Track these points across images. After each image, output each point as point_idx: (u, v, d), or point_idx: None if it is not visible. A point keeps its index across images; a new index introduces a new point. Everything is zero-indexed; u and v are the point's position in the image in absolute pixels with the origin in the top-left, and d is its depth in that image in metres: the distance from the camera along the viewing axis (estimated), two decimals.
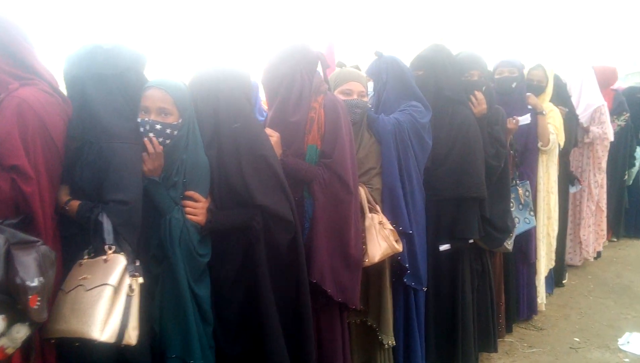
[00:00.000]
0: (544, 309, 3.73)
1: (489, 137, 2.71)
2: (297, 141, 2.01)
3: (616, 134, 5.14)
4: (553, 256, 3.74)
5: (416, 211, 2.47)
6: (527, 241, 3.44)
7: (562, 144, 3.59)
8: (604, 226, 4.82)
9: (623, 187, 5.34)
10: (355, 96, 2.25)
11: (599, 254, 5.03)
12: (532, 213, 3.22)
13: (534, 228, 3.46)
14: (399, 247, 2.20)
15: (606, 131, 4.50)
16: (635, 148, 5.47)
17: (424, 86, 2.61)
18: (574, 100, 4.51)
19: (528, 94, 3.46)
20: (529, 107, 3.43)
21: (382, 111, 2.45)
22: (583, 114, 4.47)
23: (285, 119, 1.97)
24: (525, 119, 2.94)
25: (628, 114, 5.22)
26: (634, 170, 5.54)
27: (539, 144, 3.42)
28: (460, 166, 2.58)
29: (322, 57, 2.10)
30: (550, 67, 3.55)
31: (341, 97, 2.24)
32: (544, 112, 3.42)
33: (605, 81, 5.17)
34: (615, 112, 5.16)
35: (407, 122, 2.37)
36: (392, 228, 2.21)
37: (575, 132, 4.18)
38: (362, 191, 2.22)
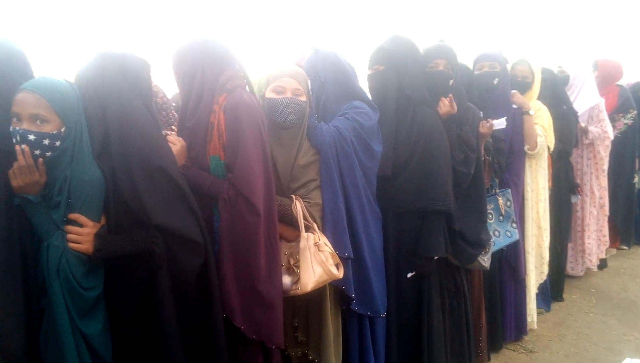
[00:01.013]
0: (535, 328, 3.39)
1: (458, 140, 2.38)
2: (198, 151, 1.72)
3: (623, 133, 4.77)
4: (545, 269, 3.38)
5: (368, 230, 2.17)
6: (515, 255, 3.09)
7: (551, 146, 3.24)
8: (607, 231, 4.42)
9: (632, 191, 4.92)
10: (288, 94, 1.94)
11: (604, 263, 4.64)
12: (514, 225, 2.88)
13: (522, 240, 3.14)
14: (339, 273, 1.89)
15: (606, 129, 4.12)
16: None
17: (385, 84, 2.32)
18: (572, 98, 4.15)
19: (513, 91, 3.13)
20: (514, 106, 3.10)
21: (323, 115, 2.15)
22: (580, 113, 4.10)
23: (184, 124, 1.69)
24: (500, 123, 2.61)
25: (635, 112, 4.82)
26: None
27: (526, 147, 3.08)
28: (423, 175, 2.27)
29: (235, 50, 1.82)
30: (537, 62, 3.21)
31: (273, 96, 1.95)
32: (530, 112, 3.08)
33: (610, 76, 4.79)
34: (621, 110, 4.77)
35: (349, 130, 2.06)
36: (331, 250, 1.90)
37: (575, 133, 3.82)
38: (299, 207, 1.92)
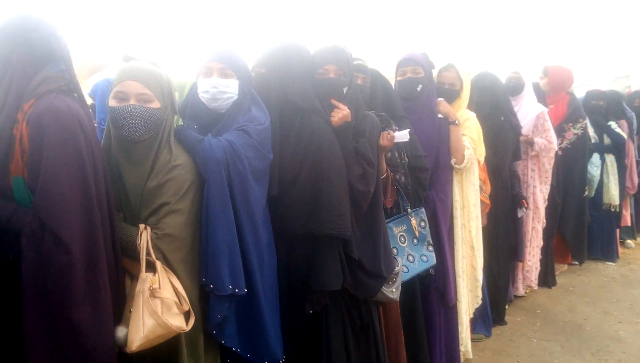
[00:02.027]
0: (471, 357, 3.09)
1: (356, 154, 2.07)
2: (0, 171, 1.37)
3: (573, 143, 4.56)
4: (479, 292, 3.09)
5: (262, 261, 1.84)
6: (443, 279, 2.79)
7: (481, 159, 2.96)
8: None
9: (583, 202, 4.69)
10: (132, 101, 1.60)
11: (552, 281, 4.39)
12: (431, 247, 2.58)
13: (451, 262, 2.84)
14: (179, 323, 1.53)
15: (551, 140, 3.89)
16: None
17: (266, 88, 1.99)
18: (518, 107, 3.92)
19: (440, 99, 2.85)
20: (440, 116, 2.81)
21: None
22: (523, 123, 3.86)
23: None
24: (403, 136, 2.31)
25: (585, 121, 4.62)
26: (594, 181, 4.92)
27: (452, 161, 2.79)
28: (312, 193, 1.94)
29: (64, 44, 1.48)
30: (465, 68, 2.93)
31: (114, 104, 1.60)
32: (457, 122, 2.80)
33: (560, 83, 4.60)
34: (570, 119, 4.57)
35: (245, 146, 1.77)
36: (174, 297, 1.54)
37: (515, 144, 3.56)
38: (143, 239, 1.57)
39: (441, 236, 2.77)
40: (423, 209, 2.58)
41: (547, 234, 4.23)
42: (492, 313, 3.55)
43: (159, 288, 1.49)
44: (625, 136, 5.00)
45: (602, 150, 4.98)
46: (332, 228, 1.93)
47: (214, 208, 1.69)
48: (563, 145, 4.54)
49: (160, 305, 1.48)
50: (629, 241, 5.72)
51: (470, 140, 2.85)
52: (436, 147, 2.77)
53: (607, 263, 5.08)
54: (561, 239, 4.72)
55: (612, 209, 5.06)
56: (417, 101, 2.78)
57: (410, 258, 2.46)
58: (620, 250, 5.39)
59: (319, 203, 1.93)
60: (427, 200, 2.74)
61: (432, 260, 2.55)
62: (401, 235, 2.47)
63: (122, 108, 1.58)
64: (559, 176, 4.40)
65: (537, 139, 3.85)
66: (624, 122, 5.23)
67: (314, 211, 1.94)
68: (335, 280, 1.96)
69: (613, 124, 4.99)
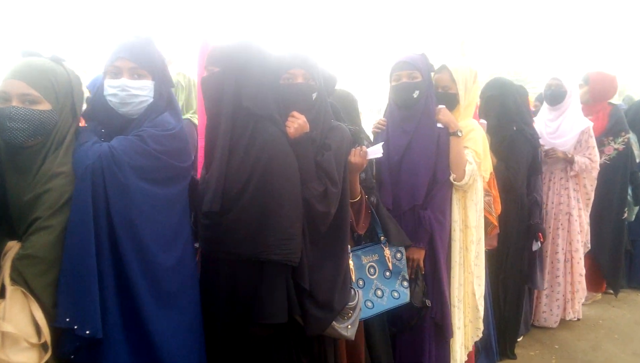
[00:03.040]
0: None
1: (318, 169, 1.81)
2: None
3: (612, 160, 4.08)
4: (480, 324, 2.75)
5: (160, 291, 1.59)
6: (442, 310, 2.48)
7: (486, 176, 2.62)
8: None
9: (622, 226, 4.19)
10: (14, 103, 1.41)
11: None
12: (405, 283, 2.29)
13: (447, 290, 2.53)
14: (25, 359, 1.29)
15: (595, 159, 3.47)
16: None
17: (219, 90, 1.76)
18: (561, 117, 3.51)
19: (440, 107, 2.53)
20: (439, 125, 2.50)
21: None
22: (566, 139, 3.46)
23: None
24: (375, 151, 2.02)
25: (628, 136, 4.12)
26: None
27: (452, 177, 2.47)
28: (259, 211, 1.70)
29: None
30: (462, 70, 2.58)
31: None
32: (458, 133, 2.47)
33: (602, 92, 4.12)
34: (611, 133, 4.08)
35: (132, 152, 1.54)
36: (28, 328, 1.31)
37: (532, 158, 3.17)
38: (8, 262, 1.37)
39: (439, 262, 2.47)
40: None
41: None
42: (498, 346, 3.20)
43: (3, 319, 1.29)
44: None
45: None
46: (278, 252, 1.68)
47: (70, 224, 1.44)
48: (602, 161, 4.06)
49: (1, 338, 1.28)
50: None
51: (474, 154, 2.52)
52: (434, 161, 2.47)
53: None
54: (596, 265, 4.26)
55: None
56: (414, 109, 2.49)
57: (378, 293, 2.17)
58: None
59: (266, 223, 1.69)
60: (423, 221, 2.44)
61: (405, 297, 2.27)
62: (371, 266, 2.19)
63: (2, 110, 1.40)
64: (595, 195, 3.95)
65: (577, 158, 3.44)
66: None
67: (260, 232, 1.69)
68: (279, 311, 1.71)
69: None
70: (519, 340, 3.48)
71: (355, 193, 2.06)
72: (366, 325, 2.40)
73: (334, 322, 1.82)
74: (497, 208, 3.00)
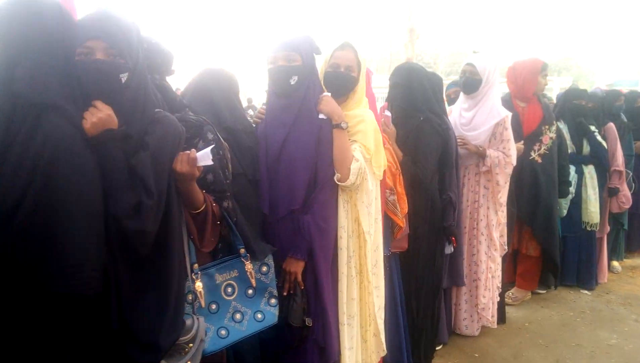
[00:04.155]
0: None
1: (131, 176, 1.43)
2: None
3: (550, 149, 3.83)
4: (382, 343, 2.44)
5: None
6: (324, 330, 2.15)
7: (379, 173, 2.30)
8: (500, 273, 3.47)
9: (553, 219, 3.95)
10: None
11: (502, 317, 3.69)
12: (274, 301, 1.94)
13: (334, 308, 2.20)
14: None
15: (509, 153, 3.17)
16: (568, 168, 4.10)
17: None
18: (475, 106, 3.22)
19: (324, 94, 2.18)
20: (321, 116, 2.15)
21: None
22: (480, 131, 3.16)
23: None
24: (204, 158, 1.63)
25: (555, 125, 3.88)
26: (568, 198, 4.16)
27: (336, 176, 2.13)
28: (41, 230, 1.31)
29: None
30: (362, 51, 2.26)
31: None
32: (342, 125, 2.13)
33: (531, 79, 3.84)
34: (547, 121, 3.84)
35: None
36: None
37: (440, 152, 2.85)
38: None
39: (320, 276, 2.13)
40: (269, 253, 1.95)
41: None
42: (412, 357, 2.90)
43: None
44: (605, 146, 4.25)
45: (579, 161, 4.24)
46: (64, 285, 1.30)
47: None
48: (542, 151, 3.82)
49: None
50: (615, 264, 4.98)
51: (363, 149, 2.18)
52: (314, 158, 2.12)
53: (581, 291, 4.36)
54: (530, 261, 4.04)
55: (590, 229, 4.31)
56: (293, 97, 2.13)
57: (237, 316, 1.81)
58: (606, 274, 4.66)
59: (50, 246, 1.30)
60: (302, 228, 2.10)
61: (273, 318, 1.91)
62: (228, 284, 1.83)
63: None
64: (528, 188, 3.73)
65: (490, 152, 3.14)
66: (611, 126, 4.47)
67: (42, 258, 1.31)
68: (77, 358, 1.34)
69: (595, 130, 4.24)
70: (438, 348, 3.20)
71: (195, 203, 1.68)
72: (236, 351, 2.06)
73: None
74: (403, 207, 2.69)
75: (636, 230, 5.16)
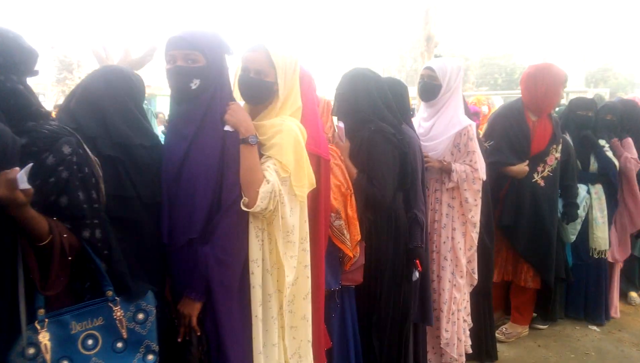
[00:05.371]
0: None
1: None
2: None
3: (554, 170, 3.39)
4: None
5: None
6: None
7: (303, 194, 1.91)
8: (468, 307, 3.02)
9: (552, 253, 3.44)
10: None
11: (493, 354, 3.23)
12: (152, 357, 1.58)
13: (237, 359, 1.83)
14: None
15: (476, 166, 2.76)
16: (576, 188, 3.60)
17: None
18: (436, 114, 2.84)
19: (232, 102, 1.84)
20: (227, 128, 1.81)
21: None
22: (438, 141, 2.77)
23: None
24: (21, 180, 1.28)
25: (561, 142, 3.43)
26: (578, 222, 3.65)
27: (243, 201, 1.77)
28: None
29: None
30: (288, 55, 1.91)
31: None
32: (250, 140, 1.78)
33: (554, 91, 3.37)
34: (555, 140, 3.41)
35: None
36: None
37: (399, 166, 2.45)
38: None
39: (220, 320, 1.76)
40: (150, 293, 1.60)
41: (481, 291, 3.09)
42: None
43: None
44: (616, 163, 3.74)
45: (586, 179, 3.74)
46: None
47: None
48: (545, 173, 3.37)
49: None
50: (633, 295, 4.42)
51: (279, 166, 1.82)
52: (216, 178, 1.77)
53: (589, 327, 3.84)
54: (529, 293, 3.56)
55: (598, 256, 3.80)
56: (195, 104, 1.79)
57: None
58: (620, 307, 4.12)
59: None
60: (199, 262, 1.75)
61: None
62: (88, 335, 1.48)
63: None
64: (531, 208, 3.29)
65: (456, 166, 2.73)
66: (629, 141, 3.95)
67: None
68: None
69: (605, 145, 3.75)
70: None
71: (35, 233, 1.36)
72: None
73: None
74: (354, 234, 2.32)
75: None
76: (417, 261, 2.55)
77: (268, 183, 1.76)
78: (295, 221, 1.91)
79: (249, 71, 1.89)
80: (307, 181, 1.91)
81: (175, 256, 1.81)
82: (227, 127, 1.79)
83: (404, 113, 2.62)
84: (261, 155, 1.86)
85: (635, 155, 3.87)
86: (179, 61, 1.76)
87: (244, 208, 1.75)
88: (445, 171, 2.73)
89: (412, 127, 2.71)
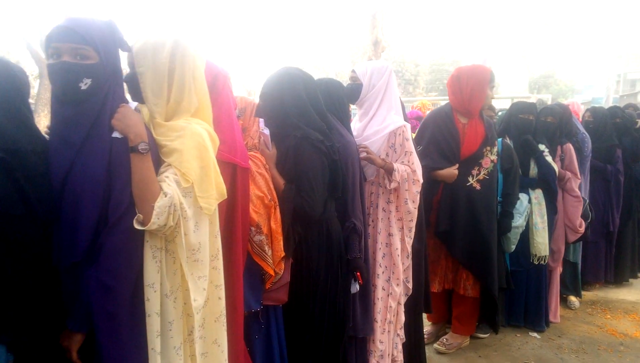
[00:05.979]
0: None
1: None
2: None
3: (491, 174, 3.29)
4: None
5: None
6: None
7: (209, 205, 1.68)
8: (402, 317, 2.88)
9: (492, 258, 3.36)
10: None
11: None
12: None
13: None
14: None
15: (414, 167, 2.63)
16: (515, 198, 3.53)
17: None
18: (365, 117, 2.69)
19: (123, 104, 1.60)
20: (116, 135, 1.56)
21: None
22: (370, 141, 2.62)
23: None
24: None
25: (496, 144, 3.35)
26: (516, 232, 3.55)
27: (136, 218, 1.52)
28: None
29: None
30: (189, 52, 1.68)
31: None
32: (140, 148, 1.54)
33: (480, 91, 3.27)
34: (489, 142, 3.30)
35: None
36: None
37: (328, 174, 2.28)
38: None
39: (103, 353, 1.51)
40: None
41: (413, 302, 2.95)
42: None
43: None
44: (555, 167, 3.71)
45: (525, 184, 3.69)
46: None
47: None
48: (481, 176, 3.27)
49: None
50: (573, 299, 4.42)
51: (180, 176, 1.59)
52: (104, 193, 1.52)
53: (530, 334, 3.79)
54: (469, 302, 3.45)
55: (538, 262, 3.76)
56: (82, 107, 1.54)
57: None
58: (560, 311, 4.10)
59: None
60: (82, 288, 1.49)
61: None
62: None
63: None
64: (468, 217, 3.18)
65: (397, 165, 2.59)
66: (569, 148, 3.94)
67: None
68: None
69: (545, 150, 3.71)
70: None
71: None
72: None
73: None
74: (277, 250, 2.12)
75: (590, 260, 4.63)
76: (358, 273, 2.38)
77: (165, 196, 1.53)
78: (202, 237, 1.68)
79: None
80: (214, 191, 1.69)
81: (63, 279, 1.55)
82: (115, 134, 1.55)
83: (341, 115, 2.47)
84: (163, 162, 1.63)
85: (576, 165, 3.87)
86: (66, 56, 1.51)
87: (137, 226, 1.51)
88: (387, 170, 2.57)
89: (349, 129, 2.55)
